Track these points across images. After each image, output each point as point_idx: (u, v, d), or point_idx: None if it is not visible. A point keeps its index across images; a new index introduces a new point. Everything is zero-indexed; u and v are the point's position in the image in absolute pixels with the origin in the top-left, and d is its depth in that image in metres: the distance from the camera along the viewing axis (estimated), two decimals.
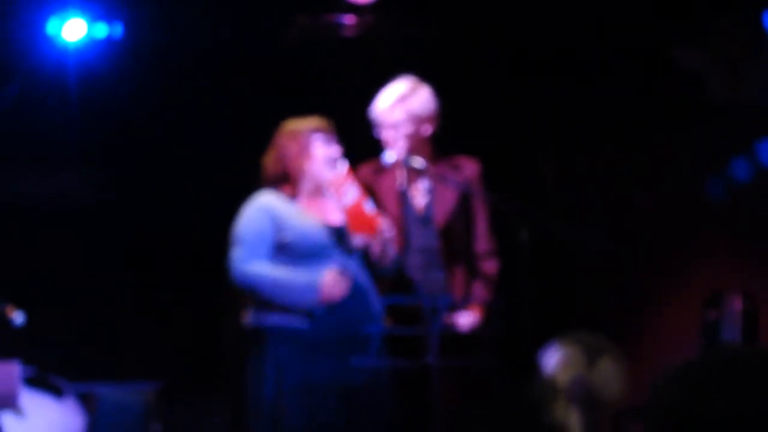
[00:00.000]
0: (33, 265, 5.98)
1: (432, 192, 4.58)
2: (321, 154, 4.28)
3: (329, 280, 4.14)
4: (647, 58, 6.11)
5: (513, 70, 6.31)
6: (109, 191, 6.28)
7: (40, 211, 6.17)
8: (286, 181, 4.29)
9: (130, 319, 6.16)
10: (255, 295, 4.18)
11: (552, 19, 6.03)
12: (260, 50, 6.08)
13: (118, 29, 5.88)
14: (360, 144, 4.50)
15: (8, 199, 6.13)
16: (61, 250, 6.13)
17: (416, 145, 4.50)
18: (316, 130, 4.31)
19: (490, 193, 4.56)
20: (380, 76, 4.62)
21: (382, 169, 4.57)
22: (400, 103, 4.50)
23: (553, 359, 4.22)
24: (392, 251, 4.31)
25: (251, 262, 4.16)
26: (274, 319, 4.16)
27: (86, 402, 5.38)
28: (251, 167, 4.39)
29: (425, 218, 4.56)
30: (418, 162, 4.46)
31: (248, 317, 4.25)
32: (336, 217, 4.27)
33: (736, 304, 5.28)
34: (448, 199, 4.55)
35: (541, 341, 4.37)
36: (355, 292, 4.20)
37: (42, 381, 5.24)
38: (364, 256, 4.28)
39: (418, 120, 4.50)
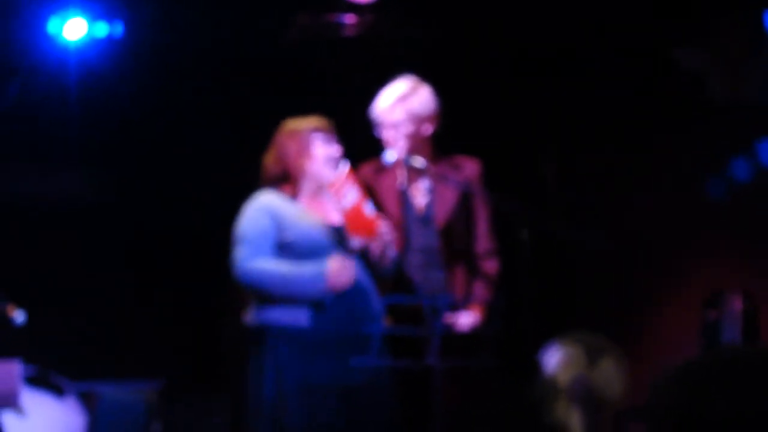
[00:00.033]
0: (33, 265, 5.98)
1: (432, 192, 4.58)
2: (321, 154, 4.28)
3: (335, 267, 4.14)
4: (647, 58, 6.11)
5: (513, 70, 6.31)
6: (109, 191, 6.29)
7: (40, 211, 6.17)
8: (286, 180, 4.29)
9: (130, 318, 6.17)
10: (261, 292, 4.16)
11: (552, 19, 6.03)
12: (260, 50, 6.08)
13: (119, 28, 5.88)
14: (360, 143, 4.49)
15: (8, 199, 6.13)
16: (61, 250, 6.13)
17: (417, 144, 4.50)
18: (316, 130, 4.31)
19: (490, 193, 4.56)
20: (380, 75, 4.62)
21: (382, 169, 4.57)
22: (401, 103, 4.50)
23: (554, 359, 4.21)
24: (392, 252, 4.31)
25: (255, 259, 4.15)
26: (274, 318, 4.15)
27: (87, 401, 5.38)
28: (251, 167, 4.38)
29: (425, 218, 4.56)
30: (419, 161, 4.46)
31: (248, 316, 4.25)
32: (336, 217, 4.27)
33: (736, 304, 5.28)
34: (449, 198, 4.55)
35: (541, 341, 4.37)
36: (356, 291, 4.20)
37: (43, 380, 5.24)
38: (364, 256, 4.28)
39: (418, 119, 4.50)
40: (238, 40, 6.04)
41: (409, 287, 4.49)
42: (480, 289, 4.53)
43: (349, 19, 6.10)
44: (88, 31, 5.84)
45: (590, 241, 5.55)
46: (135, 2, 5.90)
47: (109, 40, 5.89)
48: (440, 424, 4.01)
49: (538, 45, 6.22)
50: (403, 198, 4.57)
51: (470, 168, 4.60)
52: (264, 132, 4.38)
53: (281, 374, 4.10)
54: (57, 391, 5.27)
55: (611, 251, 5.85)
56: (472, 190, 4.54)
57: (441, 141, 4.59)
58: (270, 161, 4.32)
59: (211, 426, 5.71)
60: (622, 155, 6.25)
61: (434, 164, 4.52)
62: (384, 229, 4.22)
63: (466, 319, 4.45)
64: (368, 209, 4.20)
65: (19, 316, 5.04)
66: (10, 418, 5.03)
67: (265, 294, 4.16)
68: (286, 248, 4.19)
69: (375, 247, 4.23)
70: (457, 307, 4.44)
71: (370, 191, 4.48)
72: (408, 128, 4.48)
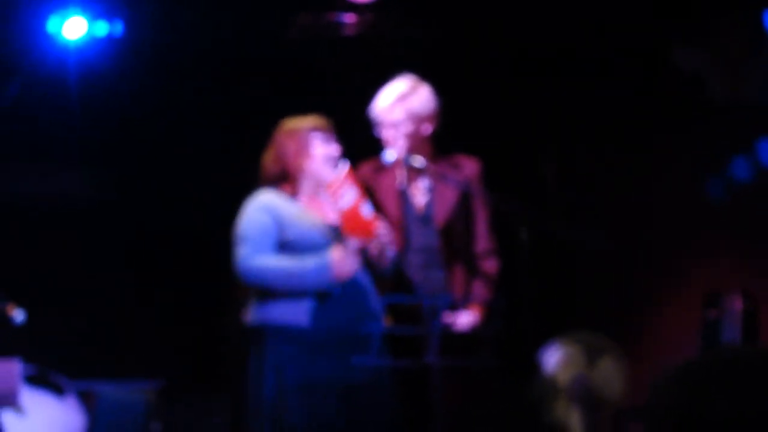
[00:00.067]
0: (33, 265, 5.98)
1: (432, 191, 4.57)
2: (320, 153, 4.28)
3: (338, 257, 4.14)
4: (647, 58, 6.11)
5: (513, 70, 6.32)
6: (109, 191, 6.29)
7: (39, 211, 6.17)
8: (285, 179, 4.28)
9: (130, 318, 6.17)
10: (266, 289, 4.15)
11: (552, 19, 6.03)
12: (260, 49, 6.08)
13: (119, 27, 5.88)
14: (360, 143, 4.49)
15: (8, 198, 6.13)
16: (61, 249, 6.13)
17: (416, 144, 4.50)
18: (315, 129, 4.31)
19: (490, 193, 4.56)
20: (380, 75, 4.62)
21: (382, 168, 4.57)
22: (400, 102, 4.49)
23: (554, 358, 4.21)
24: (391, 252, 4.31)
25: (258, 257, 4.15)
26: (274, 318, 4.15)
27: (87, 400, 5.39)
28: (251, 167, 4.38)
29: (425, 217, 4.55)
30: (418, 161, 4.46)
31: (248, 316, 4.24)
32: (332, 217, 4.26)
33: (736, 304, 5.28)
34: (448, 198, 4.55)
35: (541, 341, 4.37)
36: (355, 291, 4.20)
37: (42, 379, 5.24)
38: (363, 256, 4.27)
39: (418, 119, 4.49)
40: (238, 39, 6.04)
41: (408, 287, 4.48)
42: (479, 289, 4.53)
43: (349, 18, 6.10)
44: (88, 30, 5.84)
45: (590, 241, 5.55)
46: (135, 1, 5.90)
47: (109, 39, 5.89)
48: (440, 424, 4.01)
49: (538, 45, 6.22)
50: (403, 197, 4.57)
51: (470, 167, 4.60)
52: (264, 131, 4.38)
53: (281, 374, 4.10)
54: (57, 390, 5.27)
55: (611, 251, 5.85)
56: (471, 190, 4.54)
57: (441, 140, 4.59)
58: (269, 160, 4.32)
59: (211, 425, 5.71)
60: (622, 155, 6.25)
61: (434, 164, 4.52)
62: (382, 230, 4.21)
63: (465, 319, 4.45)
64: (366, 210, 4.19)
65: (18, 315, 5.04)
66: (9, 417, 5.03)
67: (271, 290, 4.15)
68: (285, 247, 4.19)
69: (372, 248, 4.23)
70: (456, 306, 4.44)
71: (369, 191, 4.48)
72: (407, 127, 4.48)
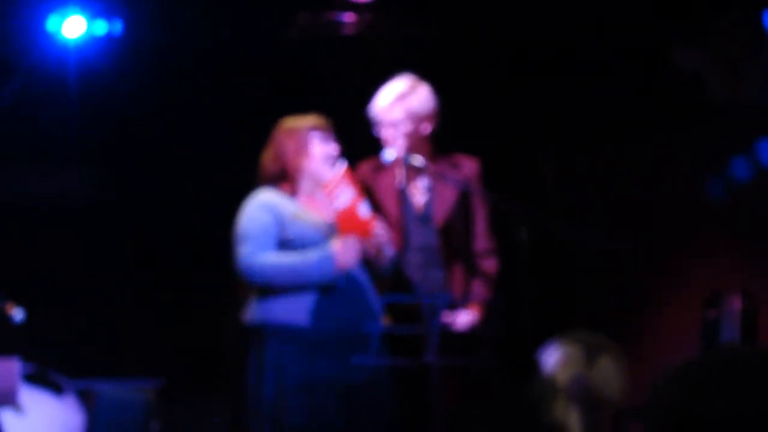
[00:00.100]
0: (33, 264, 5.98)
1: (431, 190, 4.57)
2: (319, 152, 4.28)
3: (340, 247, 4.14)
4: (647, 58, 6.11)
5: (513, 70, 6.31)
6: (109, 190, 6.29)
7: (39, 210, 6.17)
8: (284, 178, 4.28)
9: (130, 317, 6.17)
10: (270, 286, 4.14)
11: (552, 19, 6.03)
12: (260, 48, 6.08)
13: (118, 26, 5.88)
14: (359, 142, 4.49)
15: (7, 198, 6.12)
16: (60, 249, 6.13)
17: (415, 143, 4.50)
18: (314, 128, 4.31)
19: (489, 192, 4.56)
20: (380, 74, 4.61)
21: (381, 168, 4.57)
22: (400, 102, 4.49)
23: (553, 358, 4.20)
24: (389, 251, 4.31)
25: (260, 254, 4.15)
26: (274, 317, 4.15)
27: (86, 399, 5.38)
28: (251, 167, 4.38)
29: (424, 217, 4.55)
30: (418, 160, 4.46)
31: (248, 315, 4.24)
32: (328, 217, 4.26)
33: (736, 304, 5.28)
34: (448, 197, 4.54)
35: (541, 341, 4.37)
36: (354, 290, 4.20)
37: (42, 378, 5.24)
38: (361, 255, 4.27)
39: (417, 118, 4.49)
40: (238, 38, 6.04)
41: (407, 286, 4.48)
42: (479, 288, 4.52)
43: (349, 17, 6.10)
44: (87, 29, 5.83)
45: (590, 241, 5.55)
46: (134, 0, 5.90)
47: (109, 38, 5.89)
48: (439, 424, 4.00)
49: (538, 45, 6.22)
50: (402, 197, 4.56)
51: (469, 167, 4.60)
52: (263, 131, 4.38)
53: (281, 373, 4.10)
54: (56, 389, 5.27)
55: (611, 251, 5.84)
56: (471, 189, 4.54)
57: (440, 140, 4.59)
58: (268, 159, 4.32)
59: (211, 425, 5.71)
60: (622, 155, 6.25)
61: (433, 163, 4.52)
62: (379, 229, 4.21)
63: (464, 318, 4.45)
64: (363, 210, 4.19)
65: (17, 314, 5.04)
66: (8, 416, 5.03)
67: (275, 287, 4.14)
68: (286, 246, 4.19)
69: (370, 248, 4.23)
70: (455, 306, 4.44)
71: (368, 190, 4.48)
72: (407, 127, 4.48)
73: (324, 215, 4.25)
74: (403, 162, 4.49)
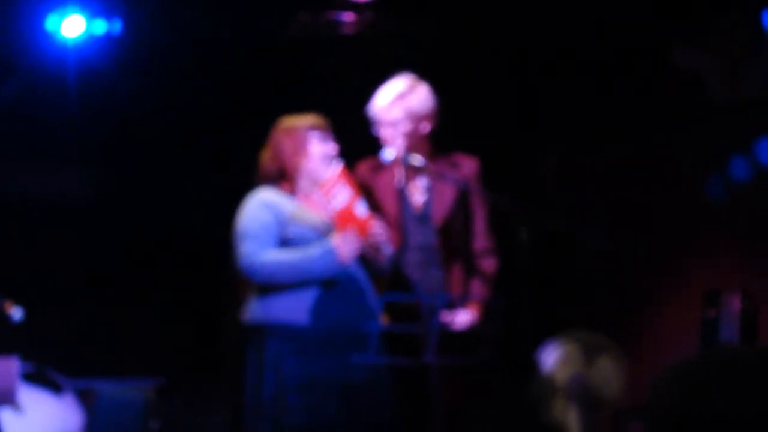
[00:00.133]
0: (32, 264, 5.98)
1: (430, 190, 4.57)
2: (317, 152, 4.28)
3: (341, 239, 4.14)
4: (647, 58, 6.11)
5: (513, 69, 6.31)
6: (109, 190, 6.28)
7: (39, 210, 6.17)
8: (282, 178, 4.28)
9: (129, 316, 6.16)
10: (274, 283, 4.14)
11: (552, 19, 6.03)
12: (259, 47, 6.08)
13: (117, 26, 5.88)
14: (358, 142, 4.49)
15: (8, 198, 6.12)
16: (60, 248, 6.13)
17: (415, 142, 4.50)
18: (313, 128, 4.31)
19: (489, 192, 4.56)
20: (379, 73, 4.62)
21: (380, 167, 4.57)
22: (399, 101, 4.49)
23: (552, 357, 4.20)
24: (388, 250, 4.30)
25: (262, 253, 4.14)
26: (273, 317, 4.15)
27: (85, 398, 5.38)
28: (250, 166, 4.38)
29: (423, 216, 4.55)
30: (417, 160, 4.46)
31: (247, 315, 4.24)
32: (329, 216, 4.26)
33: (735, 304, 5.28)
34: (447, 196, 4.54)
35: (540, 341, 4.37)
36: (354, 289, 4.20)
37: (41, 377, 5.23)
38: (359, 255, 4.27)
39: (416, 118, 4.49)
40: (237, 38, 6.04)
41: (407, 285, 4.48)
42: (478, 288, 4.53)
43: (348, 17, 6.11)
44: (87, 29, 5.83)
45: (590, 241, 5.55)
46: (133, 0, 5.90)
47: (108, 37, 5.89)
48: (439, 423, 4.00)
49: (538, 45, 6.22)
50: (401, 196, 4.56)
51: (468, 166, 4.60)
52: (263, 130, 4.38)
53: (281, 373, 4.10)
54: (55, 388, 5.26)
55: (611, 251, 5.84)
56: (470, 189, 4.54)
57: (439, 139, 4.58)
58: (266, 158, 4.32)
59: (210, 425, 5.71)
60: (622, 155, 6.25)
61: (432, 162, 4.52)
62: (376, 228, 4.21)
63: (463, 318, 4.45)
64: (360, 209, 4.19)
65: (16, 313, 5.04)
66: (7, 415, 5.03)
67: (277, 284, 4.14)
68: (285, 245, 4.18)
69: (369, 247, 4.22)
70: (454, 305, 4.44)
71: (368, 189, 4.48)
72: (406, 126, 4.48)
73: (323, 214, 4.25)
74: (403, 161, 4.49)
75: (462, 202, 4.56)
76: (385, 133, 4.52)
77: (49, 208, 6.19)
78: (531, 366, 4.31)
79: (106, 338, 6.06)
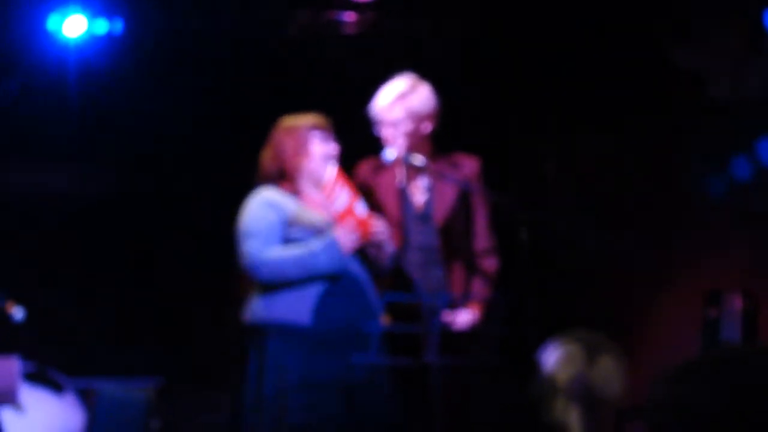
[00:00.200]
0: (32, 263, 5.98)
1: (431, 189, 4.57)
2: (318, 151, 4.28)
3: (342, 231, 4.14)
4: (647, 58, 6.11)
5: (513, 68, 6.31)
6: (109, 189, 6.28)
7: (39, 210, 6.17)
8: (283, 177, 4.28)
9: (130, 315, 6.16)
10: (279, 280, 4.14)
11: (552, 18, 6.03)
12: (260, 47, 6.08)
13: (119, 25, 5.88)
14: (360, 142, 4.49)
15: (7, 197, 6.12)
16: (60, 248, 6.13)
17: (416, 142, 4.50)
18: (314, 127, 4.31)
19: (489, 192, 4.56)
20: (380, 73, 4.62)
21: (381, 167, 4.57)
22: (400, 101, 4.49)
23: (553, 357, 4.20)
24: (389, 249, 4.31)
25: (266, 250, 4.14)
26: (274, 316, 4.15)
27: (86, 398, 5.39)
28: (251, 166, 4.38)
29: (424, 216, 4.55)
30: (418, 159, 4.46)
31: (248, 314, 4.24)
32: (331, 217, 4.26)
33: (736, 303, 5.28)
34: (448, 196, 4.55)
35: (541, 340, 4.37)
36: (355, 288, 4.20)
37: (42, 376, 5.24)
38: (362, 253, 4.27)
39: (417, 117, 4.49)
40: (238, 38, 6.04)
41: (408, 285, 4.48)
42: (478, 287, 4.53)
43: (349, 16, 6.11)
44: (88, 29, 5.84)
45: (590, 241, 5.55)
46: None
47: (109, 37, 5.89)
48: (440, 423, 4.00)
49: (538, 44, 6.22)
50: (402, 196, 4.57)
51: (469, 166, 4.60)
52: (264, 130, 4.38)
53: (282, 372, 4.10)
54: (56, 387, 5.27)
55: (611, 251, 5.84)
56: (471, 188, 4.54)
57: (440, 139, 4.59)
58: (267, 158, 4.32)
59: (211, 424, 5.70)
60: (622, 155, 6.25)
61: (433, 162, 4.52)
62: (377, 229, 4.21)
63: (464, 317, 4.45)
64: (360, 210, 4.19)
65: (17, 312, 5.04)
66: (8, 415, 5.03)
67: (282, 281, 4.13)
68: (289, 244, 4.18)
69: (370, 246, 4.23)
70: (455, 305, 4.44)
71: (369, 189, 4.49)
72: (407, 126, 4.48)
73: (324, 214, 4.25)
74: (404, 161, 4.49)
75: (463, 202, 4.56)
76: (386, 133, 4.52)
77: (49, 207, 6.19)
78: (532, 366, 4.31)
79: (106, 337, 6.06)
